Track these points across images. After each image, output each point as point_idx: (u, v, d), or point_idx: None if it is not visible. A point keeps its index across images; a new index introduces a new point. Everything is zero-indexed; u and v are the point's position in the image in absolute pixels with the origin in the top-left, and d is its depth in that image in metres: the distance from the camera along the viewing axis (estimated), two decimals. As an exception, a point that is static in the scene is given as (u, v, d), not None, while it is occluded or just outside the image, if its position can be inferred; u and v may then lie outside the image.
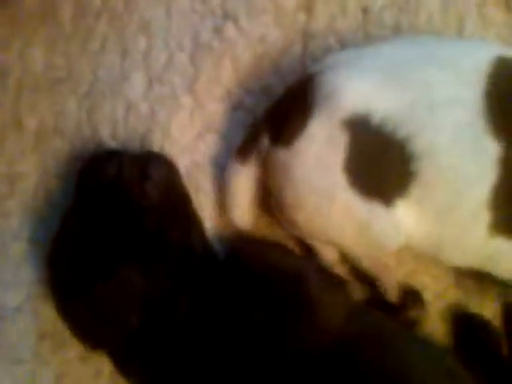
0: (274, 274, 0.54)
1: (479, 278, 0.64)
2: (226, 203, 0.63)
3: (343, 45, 0.66)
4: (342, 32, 0.66)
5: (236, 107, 0.67)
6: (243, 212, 0.63)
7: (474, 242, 0.54)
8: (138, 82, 0.69)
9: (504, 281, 0.60)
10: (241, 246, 0.61)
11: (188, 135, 0.68)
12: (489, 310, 0.66)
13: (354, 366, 0.50)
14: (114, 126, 0.69)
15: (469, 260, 0.57)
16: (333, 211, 0.56)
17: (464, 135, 0.51)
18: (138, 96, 0.69)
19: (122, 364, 0.54)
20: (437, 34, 0.67)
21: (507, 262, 0.56)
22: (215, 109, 0.68)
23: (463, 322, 0.66)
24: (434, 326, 0.66)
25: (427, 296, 0.66)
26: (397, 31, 0.66)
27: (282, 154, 0.56)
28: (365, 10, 0.66)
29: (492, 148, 0.50)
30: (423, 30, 0.66)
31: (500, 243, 0.53)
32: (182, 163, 0.66)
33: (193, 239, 0.59)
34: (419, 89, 0.52)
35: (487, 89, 0.51)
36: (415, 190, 0.52)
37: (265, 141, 0.58)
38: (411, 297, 0.64)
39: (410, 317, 0.63)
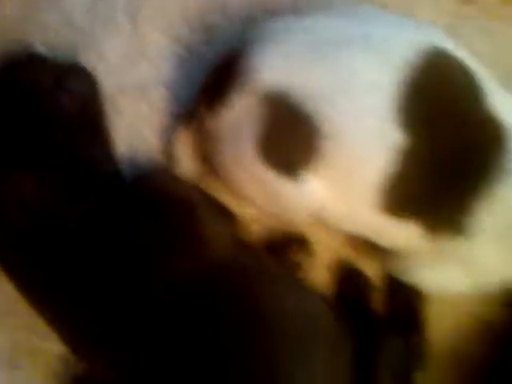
0: (166, 201, 0.57)
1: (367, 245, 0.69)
2: (172, 161, 0.67)
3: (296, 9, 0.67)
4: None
5: (175, 41, 0.69)
6: (187, 168, 0.67)
7: (365, 216, 0.58)
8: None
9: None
10: (146, 173, 0.64)
11: (120, 59, 0.69)
12: (373, 269, 0.72)
13: (224, 301, 0.54)
14: (47, 34, 0.69)
15: (359, 230, 0.62)
16: (245, 179, 0.60)
17: (372, 120, 0.53)
18: (80, 10, 0.69)
19: (4, 259, 0.58)
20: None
21: (388, 235, 0.61)
22: (153, 39, 0.69)
23: (345, 274, 0.72)
24: (321, 276, 0.72)
25: (319, 248, 0.72)
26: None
27: (209, 122, 0.59)
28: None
29: (394, 138, 0.53)
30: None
31: (384, 220, 0.58)
32: (108, 84, 0.68)
33: (99, 157, 0.62)
34: (340, 71, 0.53)
35: (406, 79, 0.53)
36: (321, 166, 0.55)
37: (201, 109, 0.61)
38: (298, 242, 0.70)
39: (295, 260, 0.69)
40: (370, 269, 0.72)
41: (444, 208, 0.56)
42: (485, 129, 0.55)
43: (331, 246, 0.72)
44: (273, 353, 0.53)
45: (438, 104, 0.54)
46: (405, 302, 0.70)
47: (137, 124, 0.69)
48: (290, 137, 0.55)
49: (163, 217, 0.56)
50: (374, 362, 0.61)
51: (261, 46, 0.56)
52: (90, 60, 0.68)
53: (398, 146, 0.53)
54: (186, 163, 0.67)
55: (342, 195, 0.57)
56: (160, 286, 0.53)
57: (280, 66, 0.54)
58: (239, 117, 0.57)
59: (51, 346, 0.67)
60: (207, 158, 0.65)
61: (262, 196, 0.61)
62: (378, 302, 0.71)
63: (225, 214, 0.63)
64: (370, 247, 0.69)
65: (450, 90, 0.54)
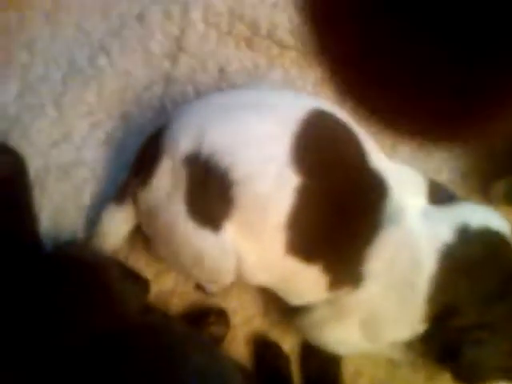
0: (81, 267, 0.60)
1: (284, 312, 0.74)
2: (96, 236, 0.70)
3: (198, 93, 0.78)
4: (199, 84, 0.79)
5: (94, 125, 0.77)
6: (111, 242, 0.71)
7: (274, 260, 0.63)
8: (12, 87, 0.77)
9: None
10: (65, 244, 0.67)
11: (46, 141, 0.75)
12: (288, 342, 0.75)
13: (132, 354, 0.55)
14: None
15: (270, 277, 0.66)
16: (174, 242, 0.64)
17: (272, 167, 0.61)
18: (9, 99, 0.77)
19: None
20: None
21: (297, 285, 0.65)
22: (76, 124, 0.76)
23: (262, 347, 0.74)
24: (240, 348, 0.74)
25: (236, 320, 0.75)
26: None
27: (141, 194, 0.65)
28: (221, 70, 0.80)
29: (292, 180, 0.61)
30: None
31: (293, 264, 0.62)
32: (35, 165, 0.73)
33: (21, 228, 0.64)
34: (240, 128, 0.63)
35: (296, 131, 0.61)
36: (235, 214, 0.61)
37: (134, 183, 0.67)
38: (216, 314, 0.72)
39: (213, 332, 0.71)
40: (286, 340, 0.75)
41: (342, 254, 0.62)
42: (368, 178, 0.63)
43: (249, 318, 0.75)
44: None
45: (324, 152, 0.62)
46: (319, 367, 0.72)
47: (61, 202, 0.73)
48: (209, 191, 0.62)
49: (79, 281, 0.58)
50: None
51: (177, 120, 0.65)
52: (17, 143, 0.73)
53: (297, 190, 0.60)
54: (111, 238, 0.71)
55: (254, 240, 0.62)
56: (72, 338, 0.53)
57: (193, 131, 0.62)
58: (168, 183, 0.63)
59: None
60: (141, 231, 0.69)
61: (191, 259, 0.64)
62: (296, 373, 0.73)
63: (139, 282, 0.66)
64: (284, 315, 0.73)
65: (334, 141, 0.64)
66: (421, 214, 0.63)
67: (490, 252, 0.63)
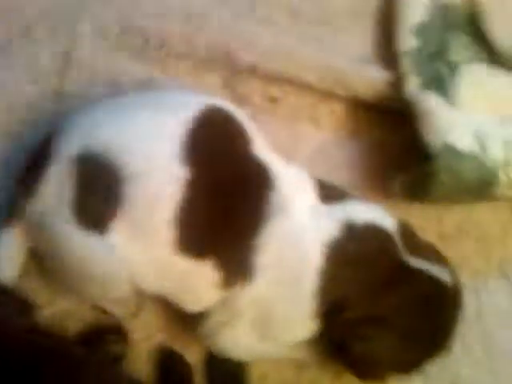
0: None
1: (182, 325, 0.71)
2: None
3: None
4: (92, 98, 0.77)
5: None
6: (9, 271, 0.68)
7: (165, 260, 0.61)
8: None
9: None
10: None
11: None
12: (193, 353, 0.72)
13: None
14: None
15: (161, 281, 0.63)
16: (61, 253, 0.62)
17: (161, 162, 0.60)
18: None
19: None
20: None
21: (190, 285, 0.63)
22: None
23: (165, 357, 0.71)
24: (143, 365, 0.70)
25: (137, 336, 0.72)
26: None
27: (30, 204, 0.62)
28: (113, 84, 0.79)
29: (179, 174, 0.59)
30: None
31: (184, 262, 0.61)
32: None
33: None
34: (129, 125, 0.62)
35: (187, 127, 0.61)
36: (122, 214, 0.59)
37: (22, 195, 0.64)
38: (116, 332, 0.70)
39: (113, 350, 0.68)
40: (190, 352, 0.72)
41: (232, 249, 0.61)
42: (254, 171, 0.63)
43: (149, 333, 0.72)
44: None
45: (213, 146, 0.62)
46: (224, 375, 0.70)
47: None
48: (96, 192, 0.60)
49: None
50: None
51: (66, 123, 0.64)
52: None
53: (183, 184, 0.59)
54: (6, 265, 0.68)
55: (143, 241, 0.60)
56: None
57: (81, 131, 0.62)
58: (53, 188, 0.61)
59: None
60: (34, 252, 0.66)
61: (80, 270, 0.62)
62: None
63: (25, 307, 0.64)
64: (185, 326, 0.70)
65: (223, 136, 0.64)
66: (308, 209, 0.63)
67: (375, 246, 0.63)
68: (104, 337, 0.69)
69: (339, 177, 0.77)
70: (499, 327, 0.75)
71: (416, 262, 0.62)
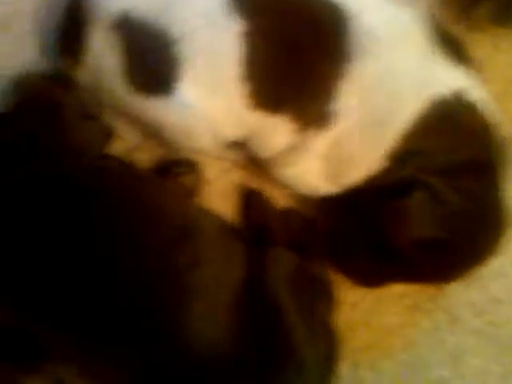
0: (30, 97, 0.55)
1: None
2: None
3: None
4: None
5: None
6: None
7: (239, 115, 0.58)
8: None
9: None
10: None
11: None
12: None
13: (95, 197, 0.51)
14: None
15: (241, 130, 0.61)
16: (129, 114, 0.60)
17: (210, 18, 0.55)
18: None
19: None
20: None
21: (266, 135, 0.61)
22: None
23: (245, 198, 0.70)
24: (217, 203, 0.68)
25: (211, 174, 0.69)
26: None
27: (75, 73, 0.59)
28: None
29: (238, 24, 0.54)
30: None
31: (258, 116, 0.58)
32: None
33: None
34: None
35: None
36: (187, 74, 0.56)
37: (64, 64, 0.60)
38: (186, 165, 0.67)
39: (184, 182, 0.66)
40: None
41: (309, 96, 0.57)
42: (324, 10, 0.56)
43: (224, 170, 0.70)
44: (156, 239, 0.50)
45: None
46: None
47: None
48: (150, 53, 0.56)
49: (30, 113, 0.54)
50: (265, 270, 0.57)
51: None
52: None
53: (245, 34, 0.54)
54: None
55: (215, 96, 0.57)
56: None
57: None
58: (100, 54, 0.56)
59: None
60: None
61: (164, 131, 0.60)
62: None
63: (100, 125, 0.60)
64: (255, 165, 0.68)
65: None
66: (408, 56, 0.58)
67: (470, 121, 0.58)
68: (175, 168, 0.67)
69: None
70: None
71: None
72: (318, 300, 0.59)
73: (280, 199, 0.70)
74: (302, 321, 0.53)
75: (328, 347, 0.57)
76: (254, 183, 0.70)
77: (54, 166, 0.51)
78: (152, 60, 0.56)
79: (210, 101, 0.57)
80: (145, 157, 0.67)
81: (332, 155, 0.60)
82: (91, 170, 0.53)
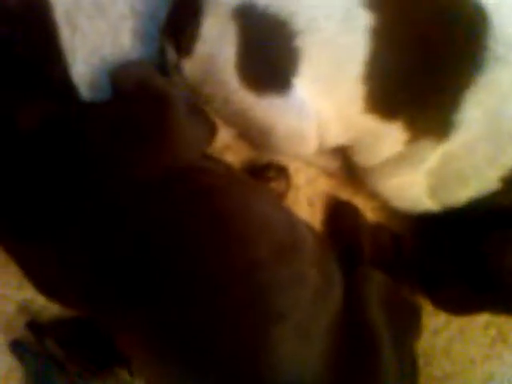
0: (139, 93, 0.52)
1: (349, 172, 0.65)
2: None
3: None
4: None
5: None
6: None
7: (351, 117, 0.54)
8: None
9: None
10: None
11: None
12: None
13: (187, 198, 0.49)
14: None
15: (346, 136, 0.57)
16: (235, 114, 0.56)
17: (337, 9, 0.50)
18: None
19: None
20: None
21: (374, 142, 0.56)
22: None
23: (334, 207, 0.66)
24: (303, 210, 0.66)
25: (298, 180, 0.66)
26: None
27: (185, 64, 0.54)
28: None
29: (364, 19, 0.50)
30: None
31: (371, 121, 0.54)
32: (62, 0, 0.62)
33: (49, 62, 0.55)
34: None
35: None
36: (304, 69, 0.52)
37: (171, 53, 0.56)
38: (276, 169, 0.64)
39: (274, 188, 0.63)
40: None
41: (430, 103, 0.52)
42: (461, 8, 0.51)
43: (312, 177, 0.66)
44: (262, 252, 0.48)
45: None
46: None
47: (95, 42, 0.63)
48: (268, 48, 0.52)
49: (132, 108, 0.51)
50: (360, 292, 0.54)
51: None
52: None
53: (372, 30, 0.50)
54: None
55: (330, 95, 0.53)
56: (117, 182, 0.48)
57: None
58: (214, 45, 0.52)
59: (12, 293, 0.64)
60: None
61: (263, 131, 0.56)
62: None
63: (206, 123, 0.57)
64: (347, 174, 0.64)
65: None
66: None
67: None
68: (265, 173, 0.64)
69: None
70: None
71: None
72: (409, 328, 0.56)
73: (367, 212, 0.66)
74: (395, 355, 0.50)
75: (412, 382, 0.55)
76: (341, 193, 0.67)
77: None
78: (270, 53, 0.52)
79: (325, 100, 0.53)
80: (234, 158, 0.65)
81: (442, 170, 0.55)
82: (196, 170, 0.51)
